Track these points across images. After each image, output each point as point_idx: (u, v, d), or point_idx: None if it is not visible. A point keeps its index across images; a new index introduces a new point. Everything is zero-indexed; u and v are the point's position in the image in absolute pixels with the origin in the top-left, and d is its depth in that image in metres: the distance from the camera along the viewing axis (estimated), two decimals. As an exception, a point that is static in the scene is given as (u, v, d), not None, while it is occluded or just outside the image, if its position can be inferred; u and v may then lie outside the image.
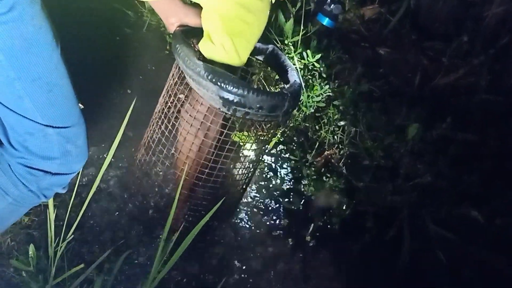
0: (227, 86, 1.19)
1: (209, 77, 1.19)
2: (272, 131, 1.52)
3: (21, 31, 0.91)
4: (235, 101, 1.21)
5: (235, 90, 1.20)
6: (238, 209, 1.73)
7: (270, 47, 1.56)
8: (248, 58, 1.55)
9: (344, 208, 1.81)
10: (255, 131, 1.63)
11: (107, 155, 1.17)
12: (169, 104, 1.41)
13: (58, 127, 1.04)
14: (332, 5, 1.34)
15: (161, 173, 1.46)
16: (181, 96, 1.40)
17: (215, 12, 1.18)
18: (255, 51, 1.56)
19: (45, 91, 0.99)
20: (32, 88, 0.97)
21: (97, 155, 1.71)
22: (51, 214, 1.22)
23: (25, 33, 0.92)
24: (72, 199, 1.24)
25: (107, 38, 2.12)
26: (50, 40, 0.98)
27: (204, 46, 1.26)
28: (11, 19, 0.88)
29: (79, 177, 1.26)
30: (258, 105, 1.24)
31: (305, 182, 1.86)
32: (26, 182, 1.08)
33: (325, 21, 1.37)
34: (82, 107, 1.09)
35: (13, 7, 0.88)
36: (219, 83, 1.19)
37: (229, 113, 1.26)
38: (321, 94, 1.89)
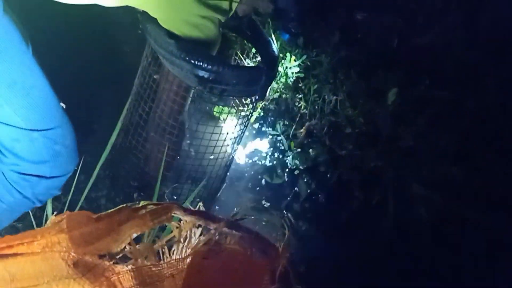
0: (201, 63, 1.17)
1: (182, 56, 1.16)
2: (251, 105, 1.51)
3: None
4: (210, 78, 1.19)
5: (209, 67, 1.17)
6: (223, 185, 1.73)
7: (245, 20, 1.53)
8: (224, 33, 1.52)
9: (329, 177, 1.82)
10: (235, 106, 1.61)
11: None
12: (145, 85, 1.39)
13: (43, 130, 1.03)
14: (291, 22, 1.41)
15: (140, 155, 1.45)
16: (156, 76, 1.37)
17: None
18: (231, 25, 1.53)
19: (22, 95, 0.98)
20: (9, 94, 0.96)
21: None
22: (49, 209, 1.22)
23: None
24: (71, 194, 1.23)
25: (76, 19, 2.03)
26: (19, 43, 0.96)
27: None
28: None
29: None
30: (234, 81, 1.22)
31: (289, 154, 1.87)
32: (20, 188, 1.06)
33: (286, 37, 1.46)
34: (64, 106, 1.07)
35: None
36: (193, 61, 1.17)
37: (206, 90, 1.24)
38: (300, 64, 1.87)
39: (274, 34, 1.82)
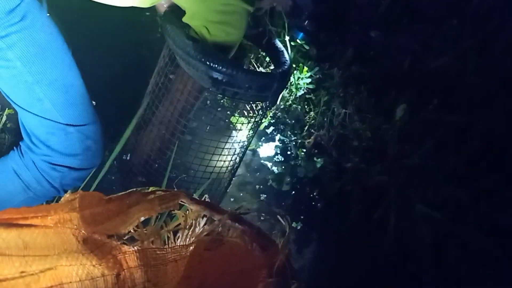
0: (216, 65, 1.20)
1: (198, 57, 1.20)
2: (262, 112, 1.53)
3: (34, 38, 0.97)
4: (224, 80, 1.23)
5: (224, 69, 1.21)
6: (228, 191, 1.76)
7: (261, 29, 1.57)
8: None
9: (333, 188, 1.84)
10: (245, 112, 1.64)
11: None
12: (160, 84, 1.42)
13: (78, 125, 1.10)
14: (307, 21, 1.43)
15: (151, 153, 1.48)
16: (172, 76, 1.41)
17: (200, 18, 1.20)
18: (246, 33, 1.57)
19: (62, 92, 1.05)
20: (50, 90, 1.03)
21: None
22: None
23: (38, 39, 0.97)
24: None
25: (98, 21, 2.09)
26: (61, 44, 1.04)
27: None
28: (24, 27, 0.94)
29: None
30: (247, 85, 1.25)
31: (295, 163, 1.89)
32: (50, 178, 1.13)
33: (299, 36, 1.48)
34: (94, 103, 1.13)
35: (25, 16, 0.93)
36: (208, 63, 1.20)
37: (219, 92, 1.27)
38: (312, 76, 1.90)
39: (289, 40, 1.85)
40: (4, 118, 1.58)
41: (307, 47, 1.88)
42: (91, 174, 1.25)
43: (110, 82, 1.89)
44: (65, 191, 1.16)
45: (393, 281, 1.68)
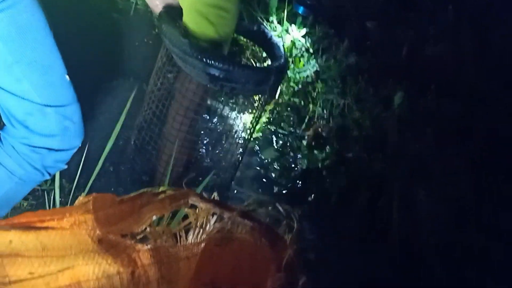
0: (213, 62, 1.22)
1: (195, 55, 1.22)
2: (261, 105, 1.55)
3: (16, 18, 0.97)
4: (221, 76, 1.25)
5: (221, 66, 1.23)
6: (231, 185, 1.77)
7: (256, 25, 1.59)
8: (235, 37, 1.56)
9: (335, 179, 1.85)
10: (245, 106, 1.66)
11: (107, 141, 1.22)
12: (159, 84, 1.44)
13: (56, 106, 1.10)
14: None
15: (153, 151, 1.49)
16: (170, 75, 1.42)
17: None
18: (242, 30, 1.58)
19: (41, 73, 1.05)
20: (29, 70, 1.03)
21: (94, 140, 1.74)
22: (57, 195, 1.29)
23: (20, 20, 0.98)
24: (76, 181, 1.29)
25: (96, 23, 2.10)
26: (43, 26, 1.04)
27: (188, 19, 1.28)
28: (6, 7, 0.95)
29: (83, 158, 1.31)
30: (243, 80, 1.27)
31: (296, 156, 1.90)
32: (31, 160, 1.13)
33: (300, 10, 1.48)
34: (69, 79, 1.14)
35: None
36: (205, 60, 1.22)
37: (217, 88, 1.29)
38: (309, 69, 1.92)
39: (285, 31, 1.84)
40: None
41: (303, 40, 1.89)
42: (81, 166, 1.28)
43: (105, 78, 1.90)
44: (50, 174, 1.18)
45: (398, 280, 1.69)
